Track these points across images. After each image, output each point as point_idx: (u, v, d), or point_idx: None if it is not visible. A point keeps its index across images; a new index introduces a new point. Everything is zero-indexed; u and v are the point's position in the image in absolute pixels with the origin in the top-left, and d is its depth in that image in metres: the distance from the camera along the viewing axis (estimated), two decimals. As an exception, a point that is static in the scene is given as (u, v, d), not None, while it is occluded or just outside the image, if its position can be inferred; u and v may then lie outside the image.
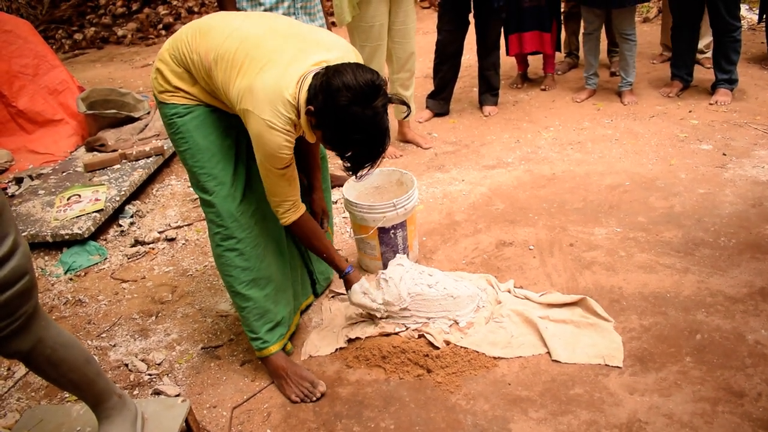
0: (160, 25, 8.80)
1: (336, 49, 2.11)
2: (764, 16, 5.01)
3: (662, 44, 5.53)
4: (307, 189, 2.57)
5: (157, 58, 2.22)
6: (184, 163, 2.28)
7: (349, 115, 1.91)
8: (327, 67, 1.97)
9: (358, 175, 2.08)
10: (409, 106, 2.18)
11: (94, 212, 3.58)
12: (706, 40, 5.04)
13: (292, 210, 2.24)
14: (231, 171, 2.28)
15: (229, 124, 2.28)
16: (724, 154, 3.79)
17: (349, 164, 2.05)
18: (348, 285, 2.48)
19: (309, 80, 1.98)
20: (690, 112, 4.46)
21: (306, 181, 2.56)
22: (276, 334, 2.43)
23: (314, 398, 2.33)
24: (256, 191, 2.38)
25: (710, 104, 4.52)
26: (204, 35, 2.11)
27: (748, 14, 6.30)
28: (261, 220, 2.40)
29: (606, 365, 2.31)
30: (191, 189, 4.09)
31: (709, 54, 4.87)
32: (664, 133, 4.19)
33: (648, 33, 6.19)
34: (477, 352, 2.42)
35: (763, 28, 5.44)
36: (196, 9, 8.91)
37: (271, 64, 2.00)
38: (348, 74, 1.91)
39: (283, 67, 2.00)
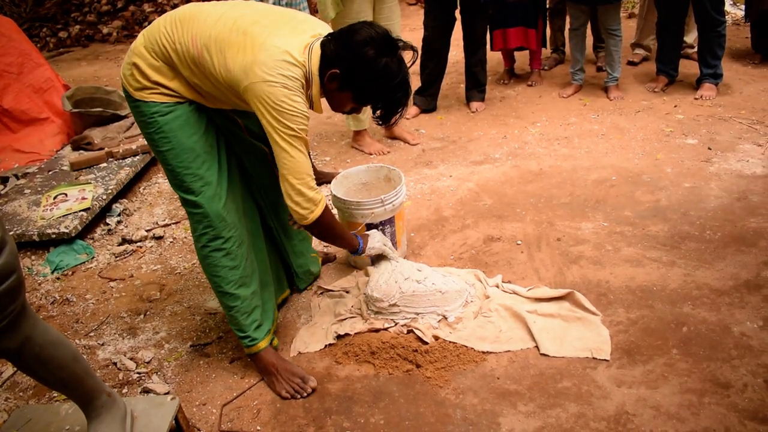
0: (146, 23, 8.74)
1: (324, 25, 2.19)
2: (750, 14, 5.05)
3: (634, 44, 5.53)
4: None
5: (131, 52, 2.13)
6: (164, 164, 2.21)
7: (380, 66, 2.00)
8: (338, 31, 2.04)
9: (391, 122, 2.19)
10: (415, 50, 2.16)
11: (80, 211, 3.56)
12: (694, 34, 5.07)
13: (315, 198, 2.15)
14: (216, 170, 2.25)
15: (210, 122, 2.26)
16: (710, 149, 3.83)
17: (381, 114, 2.15)
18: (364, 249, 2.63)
19: (317, 49, 2.04)
20: (675, 106, 4.49)
21: None
22: (263, 330, 2.42)
23: (305, 394, 2.32)
24: (235, 189, 2.38)
25: (695, 99, 4.55)
26: (186, 23, 2.07)
27: (733, 9, 6.36)
28: (243, 217, 2.41)
29: (594, 358, 2.33)
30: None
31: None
32: (650, 127, 4.21)
33: (633, 28, 6.21)
34: (466, 346, 2.43)
35: (747, 24, 5.48)
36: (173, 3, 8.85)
37: (273, 37, 2.00)
38: (365, 30, 2.01)
39: (286, 38, 2.01)
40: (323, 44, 2.04)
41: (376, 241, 2.66)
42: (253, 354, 2.42)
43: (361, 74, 2.02)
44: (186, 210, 2.29)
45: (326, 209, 2.23)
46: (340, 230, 2.45)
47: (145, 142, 4.25)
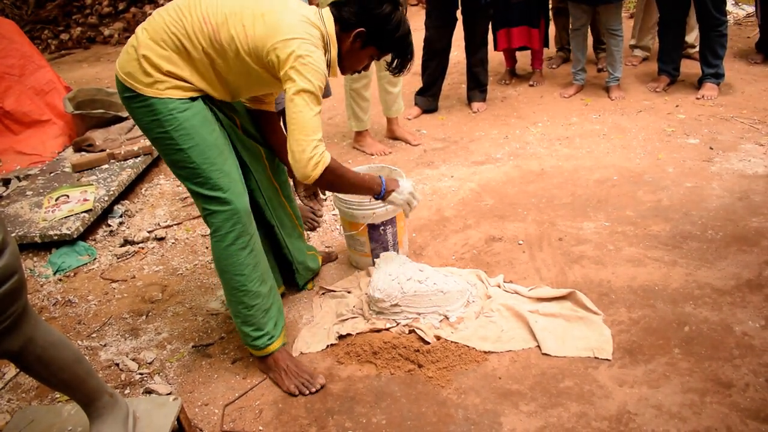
0: (147, 25, 8.76)
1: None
2: (758, 11, 5.02)
3: (633, 46, 5.53)
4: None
5: (135, 47, 2.08)
6: (185, 162, 2.14)
7: (396, 21, 2.25)
8: None
9: (406, 69, 2.42)
10: (403, 4, 2.33)
11: (82, 212, 3.57)
12: (694, 33, 5.07)
13: (323, 151, 2.14)
14: (235, 166, 2.24)
15: (218, 118, 2.26)
16: (711, 148, 3.82)
17: (399, 63, 2.37)
18: (388, 194, 2.52)
19: (327, 14, 2.21)
20: (677, 106, 4.49)
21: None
22: (279, 326, 2.43)
23: (313, 390, 2.33)
24: (248, 184, 2.39)
25: (697, 98, 4.55)
26: (192, 8, 2.07)
27: (734, 9, 6.35)
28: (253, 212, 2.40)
29: (595, 358, 2.33)
30: (181, 188, 4.09)
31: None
32: (652, 127, 4.21)
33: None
34: (467, 346, 2.43)
35: (750, 23, 5.47)
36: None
37: (285, 6, 2.11)
38: None
39: (296, 7, 2.12)
40: (334, 10, 2.21)
41: (402, 193, 2.54)
42: (270, 353, 2.40)
43: (383, 29, 2.23)
44: (209, 210, 2.21)
45: (329, 168, 2.17)
46: (350, 182, 2.37)
47: (146, 144, 4.26)
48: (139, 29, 2.12)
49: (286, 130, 2.18)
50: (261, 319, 2.36)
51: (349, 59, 2.30)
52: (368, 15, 2.20)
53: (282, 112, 2.83)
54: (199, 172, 2.15)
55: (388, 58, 2.38)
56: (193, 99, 2.13)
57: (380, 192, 2.48)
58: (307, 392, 2.32)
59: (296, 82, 2.04)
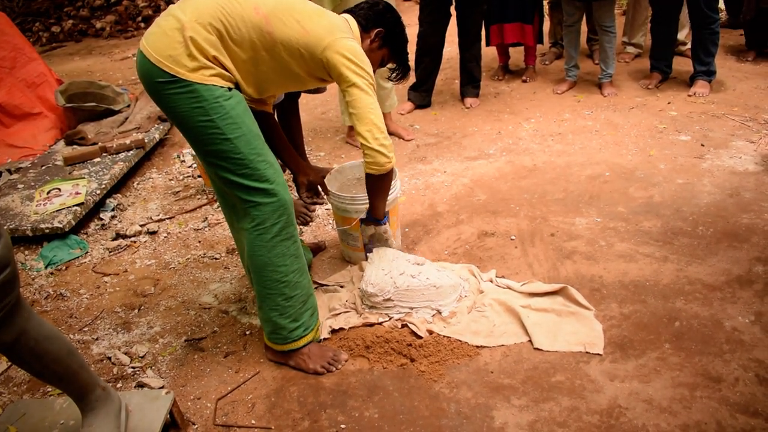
0: (139, 18, 8.73)
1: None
2: (739, 12, 5.07)
3: (625, 43, 5.56)
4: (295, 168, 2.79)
5: (179, 27, 1.99)
6: (232, 153, 2.06)
7: (402, 27, 2.48)
8: (357, 6, 2.44)
9: (405, 78, 2.63)
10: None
11: (74, 206, 3.55)
12: (686, 30, 5.09)
13: (392, 146, 2.31)
14: (274, 156, 2.21)
15: None
16: (702, 145, 3.84)
17: (402, 68, 2.57)
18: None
19: (351, 18, 2.35)
20: (669, 103, 4.51)
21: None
22: (315, 318, 2.43)
23: (339, 366, 2.39)
24: None
25: (689, 96, 4.57)
26: None
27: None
28: None
29: (587, 353, 2.34)
30: (173, 181, 4.07)
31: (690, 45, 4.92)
32: (644, 124, 4.23)
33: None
34: (460, 341, 2.44)
35: (740, 21, 5.50)
36: (175, 1, 8.83)
37: (324, 9, 2.27)
38: (380, 1, 2.47)
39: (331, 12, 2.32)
40: (355, 15, 2.39)
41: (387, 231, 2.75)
42: (300, 347, 2.39)
43: (397, 30, 2.44)
44: (253, 202, 2.15)
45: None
46: (388, 186, 2.55)
47: (139, 137, 4.24)
48: (176, 11, 2.03)
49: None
50: (299, 310, 2.34)
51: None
52: (383, 18, 2.40)
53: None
54: (246, 163, 2.08)
55: (389, 66, 2.57)
56: (230, 89, 2.08)
57: (383, 218, 2.68)
58: (334, 369, 2.37)
59: (364, 78, 2.18)
